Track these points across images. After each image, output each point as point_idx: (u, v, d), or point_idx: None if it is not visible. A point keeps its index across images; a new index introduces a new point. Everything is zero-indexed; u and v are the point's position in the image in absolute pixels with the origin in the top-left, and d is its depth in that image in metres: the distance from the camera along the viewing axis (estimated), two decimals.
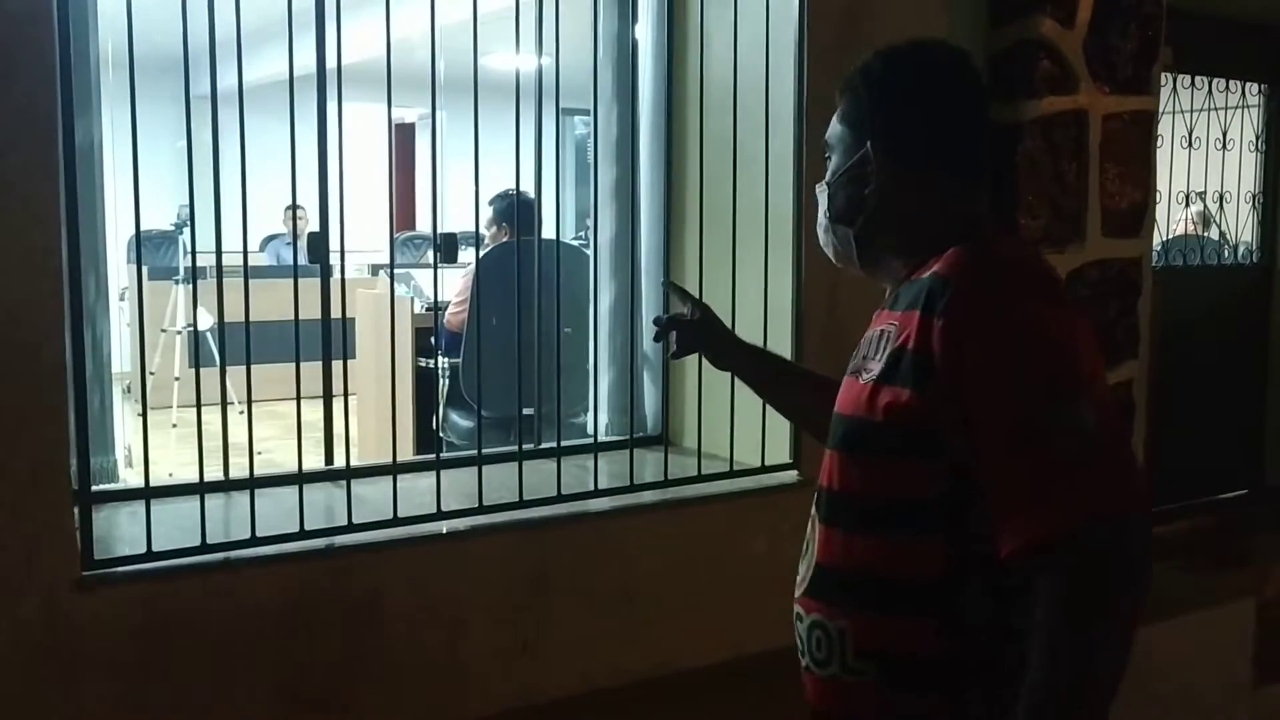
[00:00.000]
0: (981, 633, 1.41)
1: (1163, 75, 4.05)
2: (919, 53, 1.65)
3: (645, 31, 3.52)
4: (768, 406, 3.30)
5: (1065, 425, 1.31)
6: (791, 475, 3.32)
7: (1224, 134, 4.82)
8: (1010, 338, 1.36)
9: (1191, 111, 4.68)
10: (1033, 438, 1.32)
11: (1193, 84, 4.67)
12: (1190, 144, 4.69)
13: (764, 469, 3.30)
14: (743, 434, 3.26)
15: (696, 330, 1.96)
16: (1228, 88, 4.81)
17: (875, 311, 1.65)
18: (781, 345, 3.28)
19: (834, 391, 1.85)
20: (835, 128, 1.63)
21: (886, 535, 1.45)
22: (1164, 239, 4.74)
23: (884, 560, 1.45)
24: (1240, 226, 5.08)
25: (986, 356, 1.35)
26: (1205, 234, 5.17)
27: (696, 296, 2.03)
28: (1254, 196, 5.11)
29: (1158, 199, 4.16)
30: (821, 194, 1.65)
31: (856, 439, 1.50)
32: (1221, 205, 4.93)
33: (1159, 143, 4.09)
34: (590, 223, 3.57)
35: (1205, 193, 4.83)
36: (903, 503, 1.43)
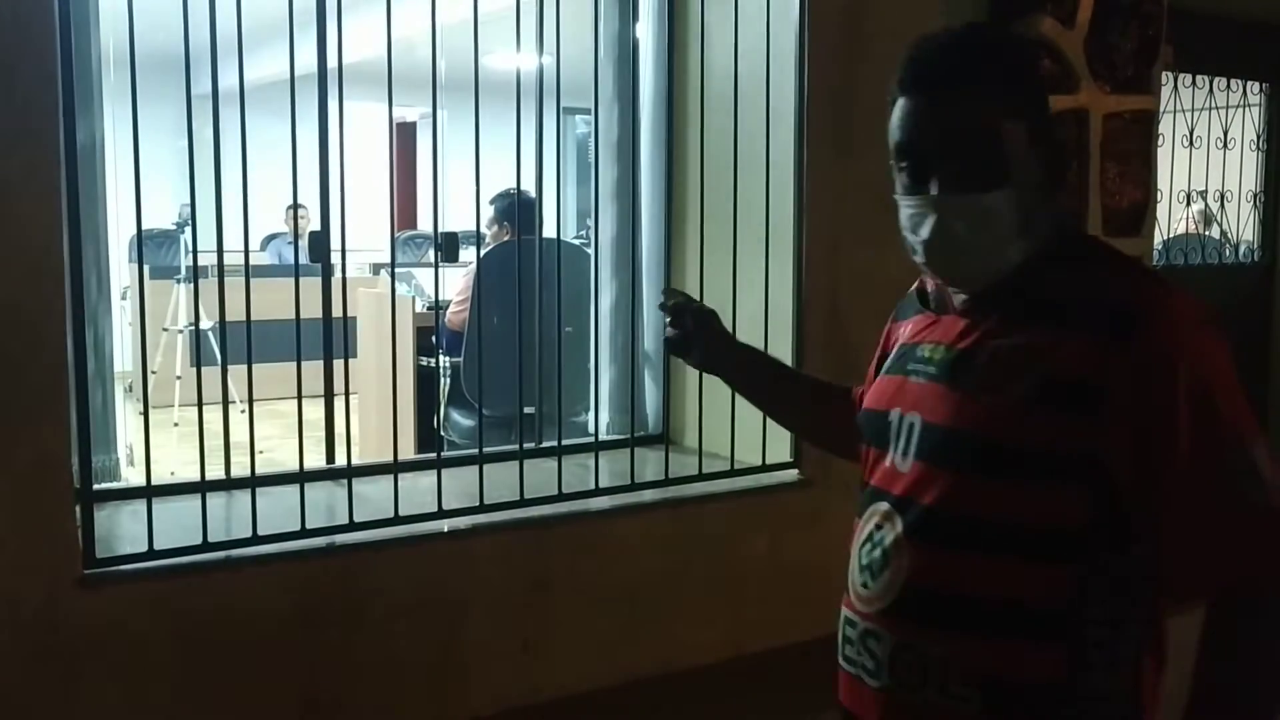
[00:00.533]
0: (1100, 662, 1.38)
1: (1163, 74, 4.05)
2: (1008, 33, 1.52)
3: (646, 31, 3.52)
4: None
5: (1252, 473, 1.29)
6: (792, 474, 3.32)
7: (1225, 133, 4.82)
8: (1210, 380, 1.30)
9: (1192, 110, 4.68)
10: (1225, 484, 1.29)
11: (1193, 83, 4.66)
12: (1191, 143, 4.69)
13: (765, 468, 3.30)
14: (744, 433, 3.26)
15: (696, 318, 1.87)
16: (1229, 87, 4.81)
17: (916, 311, 1.55)
18: (782, 343, 3.28)
19: (837, 400, 1.79)
20: (941, 121, 1.40)
21: (1019, 560, 1.36)
22: (1165, 238, 4.74)
23: (1008, 585, 1.36)
24: (1241, 225, 5.08)
25: (1188, 397, 1.29)
26: (1206, 233, 5.17)
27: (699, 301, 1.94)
28: (1255, 195, 5.11)
29: (1158, 198, 4.16)
30: (963, 205, 1.40)
31: (991, 461, 1.37)
32: (1222, 204, 4.93)
33: (1160, 142, 4.09)
34: (590, 221, 3.57)
35: (1206, 192, 4.83)
36: (1042, 528, 1.35)
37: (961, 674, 1.38)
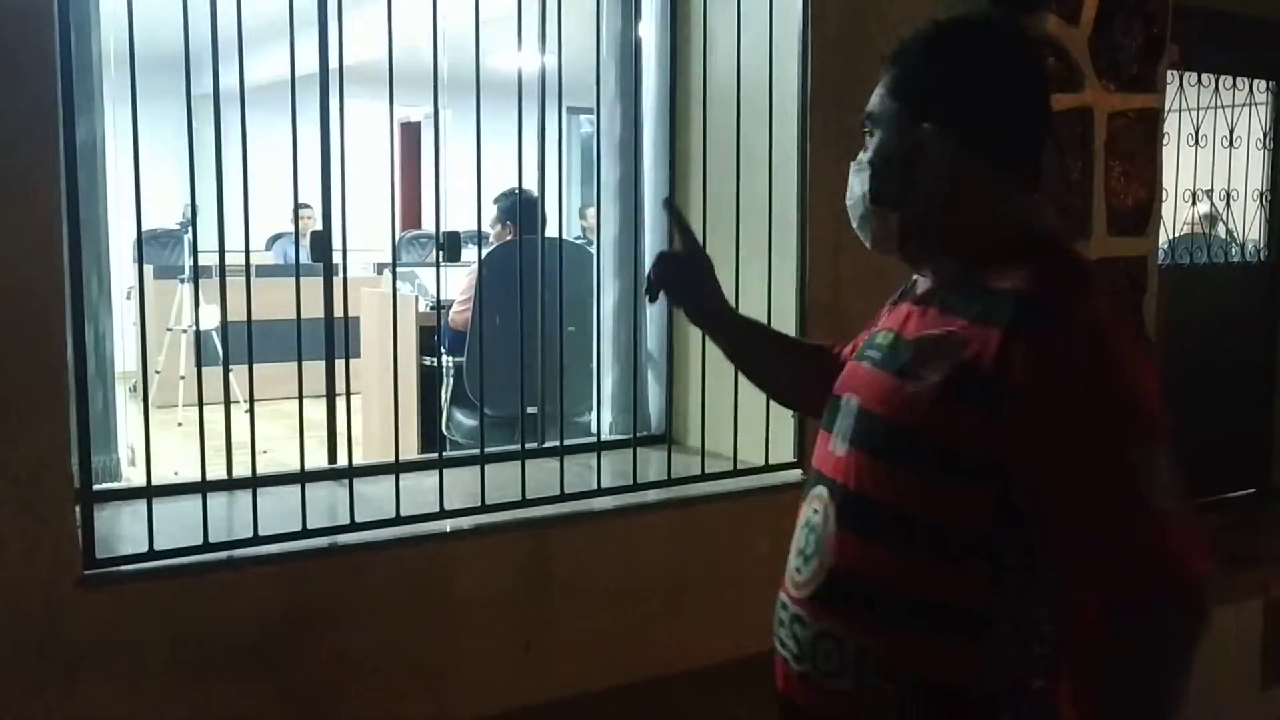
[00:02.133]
0: (1014, 660, 1.37)
1: (1169, 73, 4.03)
2: (985, 27, 1.48)
3: (649, 29, 3.51)
4: (771, 403, 3.28)
5: (1154, 477, 1.28)
6: (796, 474, 3.31)
7: (1231, 132, 4.80)
8: (1104, 383, 1.29)
9: (1198, 109, 4.66)
10: (1123, 487, 1.28)
11: (1199, 81, 4.64)
12: (1197, 142, 4.67)
13: (768, 468, 3.29)
14: (746, 433, 3.25)
15: (683, 267, 1.81)
16: (1234, 85, 4.79)
17: (894, 301, 1.57)
18: None
19: (825, 365, 1.75)
20: (884, 101, 1.50)
21: (930, 556, 1.36)
22: (1170, 237, 4.72)
23: (922, 580, 1.37)
24: (1247, 224, 5.06)
25: (1081, 397, 1.28)
26: (1212, 232, 5.15)
27: (694, 235, 1.86)
28: (1261, 194, 5.09)
29: (1164, 197, 4.14)
30: (861, 172, 1.53)
31: (900, 447, 1.39)
32: (1228, 203, 4.91)
33: (1165, 140, 4.07)
34: (582, 215, 3.56)
35: (1212, 191, 4.81)
36: (948, 525, 1.35)
37: (877, 666, 1.39)
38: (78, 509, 2.41)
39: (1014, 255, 1.39)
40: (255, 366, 2.67)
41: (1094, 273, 1.41)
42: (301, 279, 2.83)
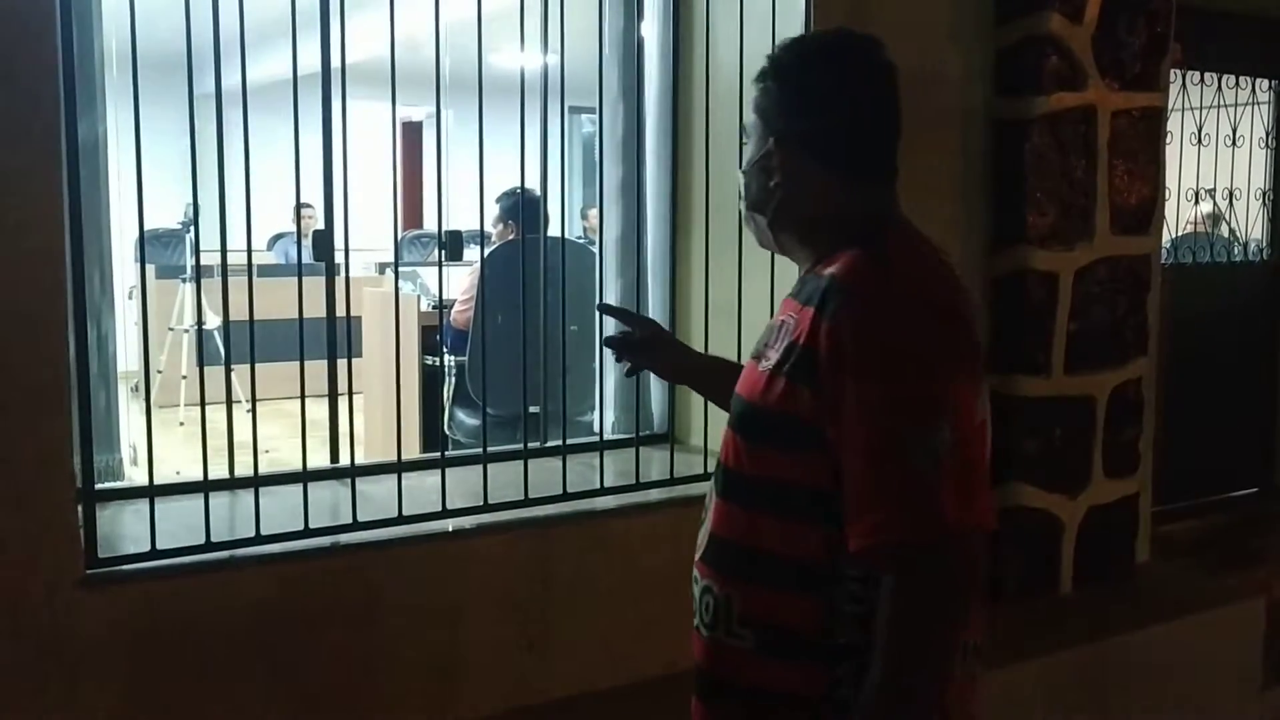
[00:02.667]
0: (853, 617, 1.48)
1: (1172, 71, 4.02)
2: (826, 45, 1.71)
3: (651, 28, 3.51)
4: None
5: (923, 442, 1.39)
6: None
7: (1234, 131, 4.79)
8: (886, 352, 1.42)
9: (1201, 108, 4.66)
10: (890, 450, 1.40)
11: (1202, 80, 4.64)
12: (1200, 141, 4.67)
13: None
14: None
15: (644, 349, 2.10)
16: (1237, 84, 4.79)
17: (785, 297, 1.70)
18: None
19: None
20: (750, 115, 1.67)
21: (775, 516, 1.52)
22: (1173, 236, 4.72)
23: (771, 539, 1.52)
24: (1250, 223, 5.06)
25: (862, 367, 1.41)
26: (1215, 231, 5.14)
27: (639, 314, 2.16)
28: (1264, 193, 5.08)
29: (1167, 196, 4.14)
30: (740, 181, 1.71)
31: (751, 423, 1.56)
32: (1231, 202, 4.90)
33: (1168, 139, 4.07)
34: (584, 216, 3.56)
35: (1215, 190, 4.81)
36: (790, 489, 1.51)
37: (740, 616, 1.56)
38: (80, 508, 2.41)
39: (849, 244, 1.53)
40: (257, 366, 2.66)
41: (904, 257, 1.53)
42: (303, 278, 2.82)
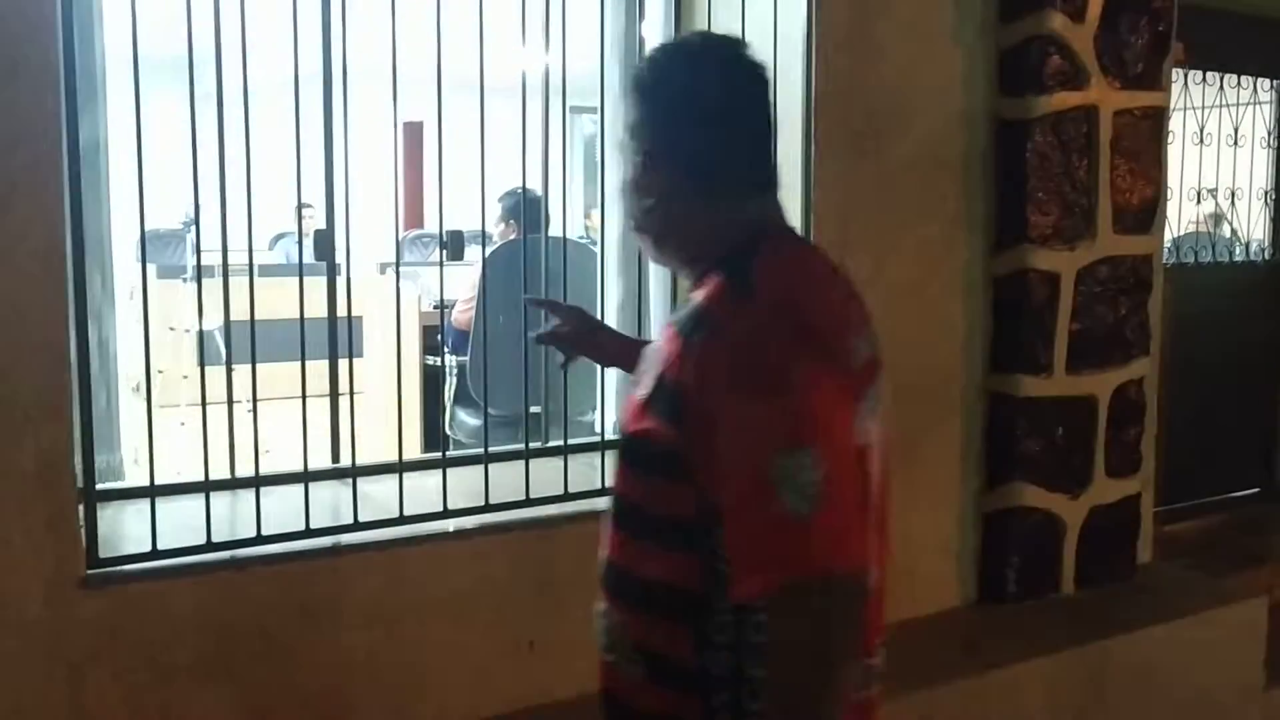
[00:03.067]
0: (724, 647, 1.43)
1: (1174, 71, 4.02)
2: (687, 53, 1.59)
3: (653, 28, 3.50)
4: None
5: (793, 478, 1.32)
6: None
7: (1235, 130, 4.79)
8: (750, 384, 1.36)
9: (1203, 108, 4.66)
10: (758, 491, 1.34)
11: (1204, 80, 4.64)
12: (1202, 140, 4.67)
13: None
14: None
15: (575, 340, 2.04)
16: (1239, 84, 4.79)
17: None
18: None
19: None
20: (622, 133, 1.58)
21: (654, 544, 1.49)
22: (1175, 236, 4.71)
23: (652, 566, 1.49)
24: (1252, 223, 5.05)
25: (726, 402, 1.35)
26: (1217, 231, 5.14)
27: (565, 303, 2.10)
28: (1265, 193, 5.08)
29: (1169, 195, 4.14)
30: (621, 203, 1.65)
31: (627, 451, 1.54)
32: (1233, 202, 4.90)
33: (1170, 139, 4.07)
34: (587, 215, 3.56)
35: (1216, 189, 4.81)
36: (663, 518, 1.46)
37: (633, 643, 1.53)
38: (81, 508, 2.41)
39: (720, 265, 1.48)
40: (259, 366, 2.66)
41: (771, 279, 1.45)
42: (304, 278, 2.82)
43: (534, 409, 3.27)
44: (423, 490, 2.86)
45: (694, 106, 1.50)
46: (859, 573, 1.37)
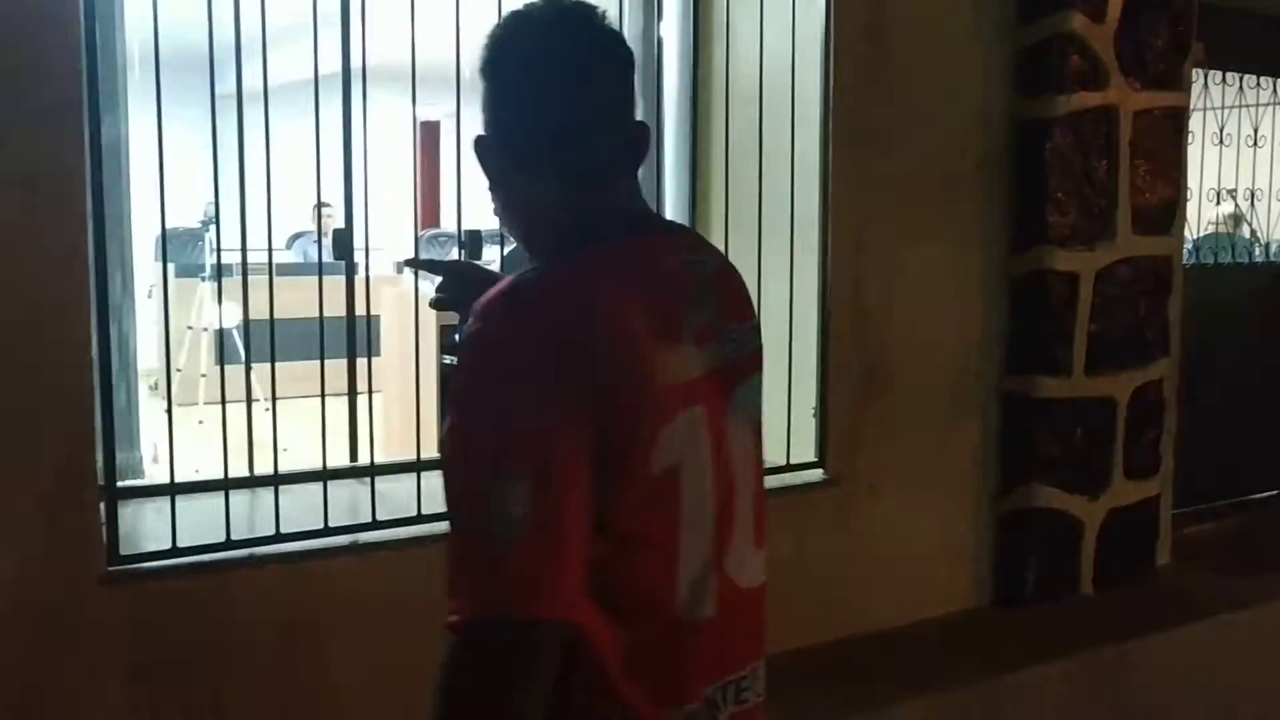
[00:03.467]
0: (589, 681, 1.29)
1: (1193, 71, 4.00)
2: (524, 26, 1.35)
3: (671, 27, 3.50)
4: (792, 402, 3.28)
5: (502, 503, 1.18)
6: (818, 474, 3.30)
7: (1255, 131, 4.77)
8: (473, 398, 1.22)
9: (1222, 108, 4.63)
10: (465, 508, 1.23)
11: (1223, 80, 4.62)
12: (1221, 141, 4.64)
13: (789, 467, 3.28)
14: (767, 432, 3.23)
15: (461, 303, 1.68)
16: (1259, 84, 4.76)
17: None
18: (808, 340, 3.27)
19: None
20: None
21: None
22: (1194, 236, 4.69)
23: None
24: (1271, 224, 5.03)
25: (455, 418, 1.22)
26: (1236, 232, 5.12)
27: (444, 262, 1.90)
28: None
29: (1188, 196, 4.12)
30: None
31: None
32: (1253, 202, 4.88)
33: (1190, 139, 4.05)
34: None
35: (1236, 190, 4.78)
36: None
37: None
38: (101, 506, 2.42)
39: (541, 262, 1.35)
40: (277, 365, 2.67)
41: (551, 282, 1.28)
42: (323, 277, 2.83)
43: None
44: (441, 489, 2.86)
45: (526, 87, 1.33)
46: (547, 626, 1.22)
